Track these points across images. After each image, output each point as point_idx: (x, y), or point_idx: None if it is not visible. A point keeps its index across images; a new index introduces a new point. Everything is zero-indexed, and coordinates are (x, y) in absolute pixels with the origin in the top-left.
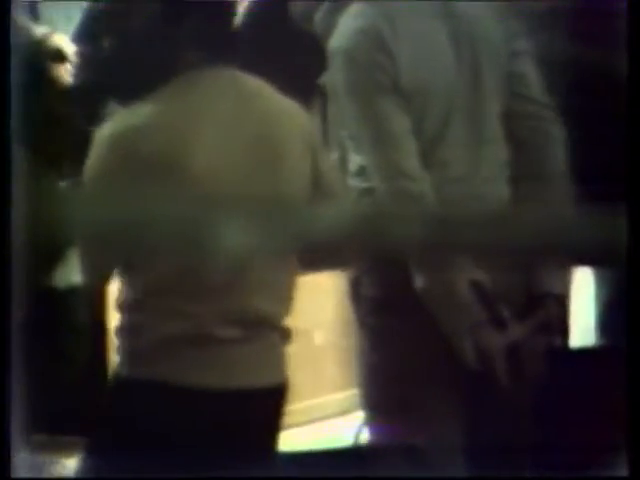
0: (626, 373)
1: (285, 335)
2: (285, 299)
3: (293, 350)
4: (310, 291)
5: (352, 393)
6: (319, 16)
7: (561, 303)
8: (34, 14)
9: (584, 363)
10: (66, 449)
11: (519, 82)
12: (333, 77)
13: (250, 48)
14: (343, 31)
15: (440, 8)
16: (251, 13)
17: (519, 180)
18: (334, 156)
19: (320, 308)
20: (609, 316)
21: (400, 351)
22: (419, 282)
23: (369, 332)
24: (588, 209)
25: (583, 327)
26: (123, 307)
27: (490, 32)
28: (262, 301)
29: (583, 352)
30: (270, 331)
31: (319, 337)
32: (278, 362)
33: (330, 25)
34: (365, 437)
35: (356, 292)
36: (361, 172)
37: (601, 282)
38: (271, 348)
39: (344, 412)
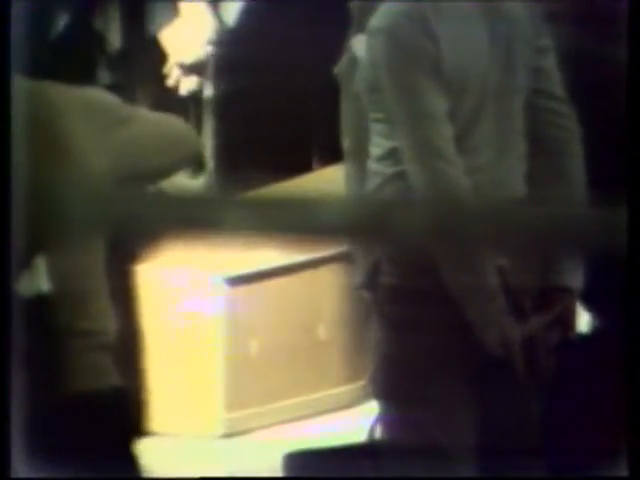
0: (625, 373)
1: (101, 342)
2: (94, 307)
3: (296, 344)
4: (313, 285)
5: (355, 386)
6: None
7: (576, 298)
8: None
9: (584, 356)
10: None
11: (542, 78)
12: (373, 57)
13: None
14: (387, 12)
15: (480, 2)
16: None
17: (537, 174)
18: (345, 144)
19: (323, 302)
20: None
21: (420, 340)
22: (446, 270)
23: (388, 321)
24: (594, 203)
25: None
26: None
27: (522, 27)
28: (66, 311)
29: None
30: (74, 338)
31: (322, 331)
32: (87, 369)
33: (369, 7)
34: (379, 430)
35: (374, 280)
36: (389, 155)
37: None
38: (78, 356)
39: (348, 406)
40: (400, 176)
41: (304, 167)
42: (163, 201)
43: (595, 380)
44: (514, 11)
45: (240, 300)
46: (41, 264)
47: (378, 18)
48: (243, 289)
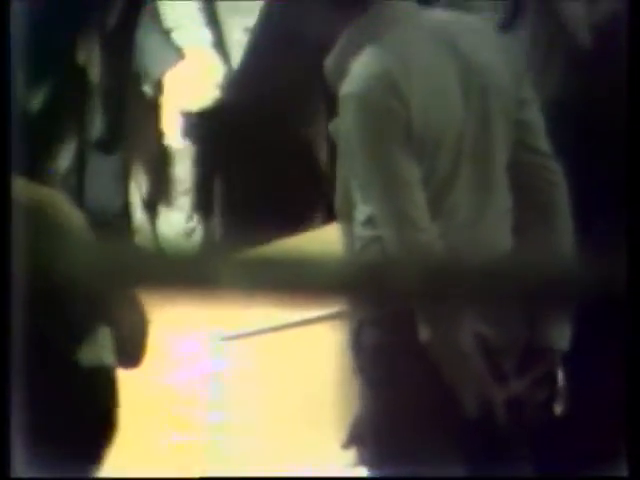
0: (624, 375)
1: None
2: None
3: (289, 403)
4: (308, 344)
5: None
6: (330, 60)
7: (561, 358)
8: None
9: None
10: None
11: (526, 131)
12: (345, 123)
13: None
14: (356, 77)
15: (452, 55)
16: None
17: (522, 229)
18: (336, 204)
19: (318, 361)
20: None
21: (403, 401)
22: (424, 332)
23: (370, 382)
24: (588, 255)
25: None
26: None
27: (499, 80)
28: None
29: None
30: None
31: (315, 389)
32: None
33: (341, 70)
34: None
35: (357, 341)
36: (369, 221)
37: None
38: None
39: (343, 466)
40: (378, 240)
41: (308, 224)
42: (157, 259)
43: (594, 379)
44: (490, 64)
45: (234, 357)
46: (104, 335)
47: (349, 83)
48: (238, 347)
